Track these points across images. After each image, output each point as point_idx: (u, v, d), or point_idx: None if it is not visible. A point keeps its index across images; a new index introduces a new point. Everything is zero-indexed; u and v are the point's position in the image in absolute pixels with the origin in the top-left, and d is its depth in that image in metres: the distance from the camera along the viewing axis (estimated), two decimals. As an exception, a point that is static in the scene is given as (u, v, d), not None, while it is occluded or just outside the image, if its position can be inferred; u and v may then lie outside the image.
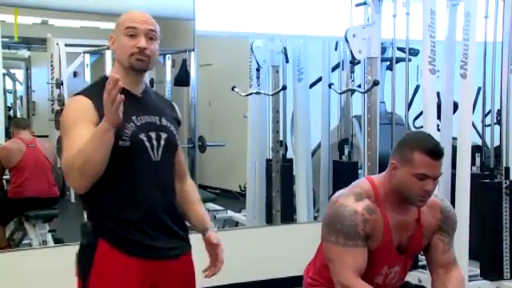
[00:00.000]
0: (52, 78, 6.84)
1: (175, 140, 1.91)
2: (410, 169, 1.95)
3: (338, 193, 2.10)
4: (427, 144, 1.98)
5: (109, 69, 6.83)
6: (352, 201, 2.01)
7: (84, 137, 1.70)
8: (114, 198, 1.81)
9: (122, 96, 1.65)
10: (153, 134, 1.84)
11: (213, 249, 2.00)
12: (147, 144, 1.83)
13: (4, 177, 4.48)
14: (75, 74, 7.79)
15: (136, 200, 1.82)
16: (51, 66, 6.91)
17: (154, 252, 1.84)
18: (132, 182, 1.81)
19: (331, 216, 2.03)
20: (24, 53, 8.08)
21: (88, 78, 7.34)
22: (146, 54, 1.82)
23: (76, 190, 1.82)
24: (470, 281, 3.35)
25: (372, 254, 2.03)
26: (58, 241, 4.44)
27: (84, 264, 1.84)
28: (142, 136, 1.82)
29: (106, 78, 1.71)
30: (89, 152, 1.69)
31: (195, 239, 2.01)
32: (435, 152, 1.95)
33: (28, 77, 8.26)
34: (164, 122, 1.89)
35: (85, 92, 1.86)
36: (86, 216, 1.90)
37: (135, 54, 1.82)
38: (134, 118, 1.82)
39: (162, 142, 1.86)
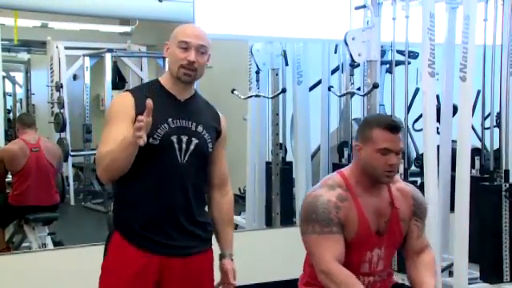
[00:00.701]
0: (52, 81, 6.85)
1: (206, 147, 2.02)
2: (372, 146, 2.05)
3: (311, 188, 2.20)
4: (384, 120, 2.13)
5: (109, 72, 6.85)
6: (324, 191, 2.09)
7: (120, 133, 1.86)
8: (135, 191, 1.96)
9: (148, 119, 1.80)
10: (184, 138, 1.97)
11: (224, 274, 2.13)
12: (176, 146, 1.95)
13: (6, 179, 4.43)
14: (75, 77, 7.80)
15: (157, 196, 1.94)
16: (51, 68, 6.92)
17: (163, 248, 1.95)
18: (156, 179, 1.94)
19: (306, 208, 2.11)
20: (24, 56, 8.10)
21: (88, 81, 7.36)
22: (194, 67, 1.97)
23: (102, 180, 1.98)
24: (469, 283, 3.35)
25: (353, 241, 2.08)
26: (57, 243, 4.43)
27: (104, 250, 2.02)
28: (173, 138, 1.95)
29: (155, 81, 2.03)
30: (115, 155, 1.86)
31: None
32: (393, 126, 2.07)
33: (28, 79, 8.27)
34: (200, 129, 2.01)
35: (131, 89, 2.05)
36: (112, 208, 2.06)
37: (184, 66, 1.96)
38: (170, 120, 1.95)
39: (192, 147, 1.97)
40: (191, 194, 1.97)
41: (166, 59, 2.05)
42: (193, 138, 1.98)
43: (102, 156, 1.89)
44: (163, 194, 1.95)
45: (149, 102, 1.80)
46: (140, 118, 1.79)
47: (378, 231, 2.12)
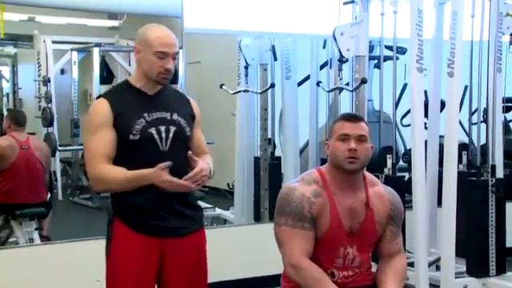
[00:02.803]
0: (39, 75, 6.80)
1: (184, 132, 2.18)
2: (333, 136, 2.15)
3: (289, 181, 2.27)
4: (343, 114, 2.39)
5: (97, 66, 6.81)
6: (300, 185, 2.14)
7: (105, 143, 2.07)
8: None
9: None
10: (162, 128, 2.12)
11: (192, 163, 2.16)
12: (156, 136, 2.11)
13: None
14: (62, 72, 7.75)
15: (145, 185, 2.06)
16: (38, 63, 6.86)
17: (159, 231, 2.11)
18: (144, 168, 2.06)
19: (281, 200, 2.15)
20: (10, 50, 8.03)
21: (75, 76, 7.31)
22: (170, 72, 2.14)
23: (94, 190, 2.21)
24: (456, 278, 3.38)
25: (325, 237, 2.11)
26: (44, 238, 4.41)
27: (107, 236, 2.16)
28: (152, 130, 2.11)
29: (125, 82, 2.20)
30: (112, 185, 2.09)
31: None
32: (350, 115, 2.28)
33: (14, 74, 8.20)
34: (175, 116, 2.16)
35: (105, 95, 2.18)
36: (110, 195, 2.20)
37: (162, 73, 2.11)
38: (145, 114, 2.11)
39: (171, 134, 2.13)
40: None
41: (136, 58, 2.16)
42: (170, 126, 2.14)
43: (101, 180, 2.09)
44: None
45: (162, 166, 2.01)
46: (170, 179, 2.01)
47: (351, 230, 2.14)
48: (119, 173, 2.07)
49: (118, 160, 2.09)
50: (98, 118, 2.09)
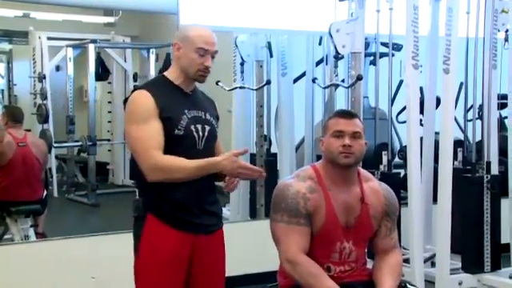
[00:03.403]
0: (34, 72, 6.78)
1: (215, 132, 2.24)
2: (328, 133, 2.17)
3: (285, 178, 2.30)
4: (337, 110, 2.40)
5: (92, 63, 6.79)
6: (295, 182, 2.16)
7: (156, 133, 2.06)
8: None
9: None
10: (199, 126, 2.17)
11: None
12: (195, 134, 2.15)
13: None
14: (58, 68, 7.73)
15: (182, 182, 2.08)
16: (33, 59, 6.84)
17: (193, 227, 2.14)
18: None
19: (277, 197, 2.17)
20: (5, 46, 8.01)
21: (71, 72, 7.29)
22: (209, 70, 2.17)
23: (151, 180, 2.09)
24: (451, 274, 3.39)
25: (321, 232, 2.13)
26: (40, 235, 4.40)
27: (136, 233, 2.16)
28: (192, 127, 2.15)
29: (163, 77, 2.19)
30: (177, 173, 2.07)
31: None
32: (344, 112, 2.28)
33: (9, 70, 8.18)
34: (208, 116, 2.21)
35: (147, 87, 2.15)
36: (137, 193, 2.19)
37: (202, 70, 2.15)
38: (186, 111, 2.14)
39: (206, 134, 2.18)
40: (207, 176, 2.12)
41: (175, 55, 2.19)
42: (205, 126, 2.18)
43: (167, 168, 2.06)
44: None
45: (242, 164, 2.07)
46: (248, 165, 2.09)
47: (347, 225, 2.15)
48: (185, 161, 2.07)
49: None
50: (146, 108, 2.08)
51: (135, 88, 2.19)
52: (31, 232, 4.36)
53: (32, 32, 6.83)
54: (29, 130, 5.31)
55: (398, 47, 4.25)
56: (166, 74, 2.21)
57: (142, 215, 2.14)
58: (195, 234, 2.15)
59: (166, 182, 2.08)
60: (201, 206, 2.16)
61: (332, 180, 2.15)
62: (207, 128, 2.18)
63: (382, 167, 3.64)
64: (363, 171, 2.27)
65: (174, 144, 2.10)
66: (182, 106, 2.14)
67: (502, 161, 3.80)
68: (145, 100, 2.09)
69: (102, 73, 7.15)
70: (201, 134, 2.16)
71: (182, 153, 2.09)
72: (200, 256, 2.17)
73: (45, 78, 6.61)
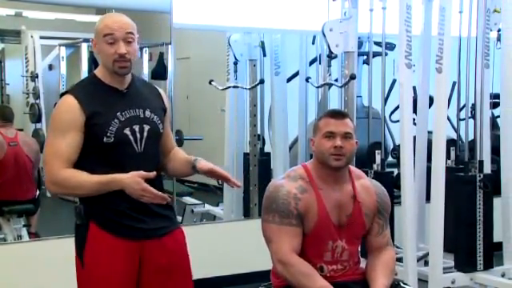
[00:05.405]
0: (27, 71, 6.74)
1: (158, 129, 2.07)
2: (319, 134, 2.15)
3: (275, 178, 2.26)
4: (328, 110, 2.37)
5: (85, 62, 6.77)
6: (286, 182, 2.15)
7: (68, 147, 1.94)
8: None
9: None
10: (136, 128, 2.00)
11: (212, 173, 2.08)
12: (131, 138, 1.99)
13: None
14: (50, 67, 7.69)
15: (122, 190, 1.95)
16: (26, 58, 6.80)
17: (139, 233, 2.02)
18: (119, 171, 1.95)
19: (268, 198, 2.15)
20: (-3, 45, 7.95)
21: (64, 71, 7.26)
22: (126, 58, 1.96)
23: (50, 192, 2.02)
24: (444, 273, 3.40)
25: (313, 231, 2.13)
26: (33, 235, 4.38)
27: (79, 242, 2.04)
28: (127, 131, 1.99)
29: (93, 77, 2.02)
30: (76, 189, 1.97)
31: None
32: (335, 112, 2.23)
33: (1, 69, 8.11)
34: (147, 113, 2.04)
35: (73, 92, 2.00)
36: (78, 199, 2.07)
37: (117, 60, 1.96)
38: (118, 114, 1.98)
39: (145, 134, 2.02)
40: (158, 177, 2.02)
41: (95, 53, 2.05)
42: (144, 125, 2.03)
43: (63, 184, 1.96)
44: None
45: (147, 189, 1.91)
46: (150, 190, 1.90)
47: (339, 224, 2.16)
48: (85, 177, 1.94)
49: (87, 163, 1.97)
50: (67, 119, 1.95)
51: (65, 91, 2.02)
52: (24, 232, 4.34)
53: (24, 31, 6.79)
54: (21, 130, 5.29)
55: (391, 46, 4.25)
56: (96, 72, 2.04)
57: (85, 223, 2.01)
58: (143, 240, 2.02)
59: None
60: (147, 210, 2.01)
61: (323, 179, 2.16)
62: (146, 127, 2.02)
63: (375, 166, 3.65)
64: (354, 169, 2.28)
65: (107, 151, 1.96)
66: (114, 108, 1.97)
67: (495, 160, 3.82)
68: (67, 108, 1.95)
69: (95, 72, 7.12)
70: (138, 135, 2.00)
71: (117, 159, 1.97)
72: (151, 260, 2.04)
73: (37, 77, 6.57)
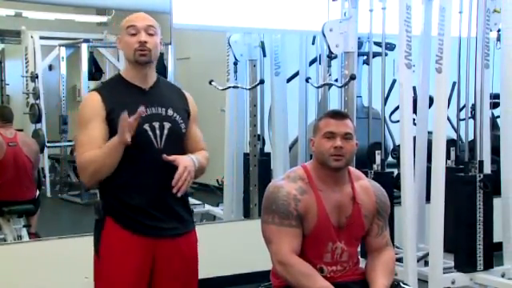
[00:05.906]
0: (27, 71, 6.75)
1: (179, 128, 2.11)
2: (319, 134, 2.15)
3: (275, 179, 2.27)
4: (328, 111, 2.34)
5: (85, 62, 6.77)
6: (286, 183, 2.15)
7: (94, 136, 2.00)
8: (120, 182, 2.04)
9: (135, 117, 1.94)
10: (156, 124, 2.06)
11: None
12: (150, 133, 2.05)
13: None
14: (50, 67, 7.71)
15: (140, 184, 2.04)
16: (26, 58, 6.81)
17: (154, 231, 2.06)
18: (136, 168, 2.04)
19: (268, 198, 2.15)
20: (-3, 45, 7.95)
21: (64, 72, 7.27)
22: (147, 47, 2.04)
23: (87, 185, 2.11)
24: (444, 273, 3.40)
25: (313, 233, 2.12)
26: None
27: (96, 236, 2.10)
28: (146, 126, 2.04)
29: (117, 76, 2.13)
30: (99, 164, 1.99)
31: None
32: (335, 112, 2.21)
33: (2, 70, 8.13)
34: (170, 112, 2.10)
35: (97, 88, 2.14)
36: (98, 195, 2.13)
37: (138, 49, 2.04)
38: (139, 110, 2.00)
39: (166, 132, 2.07)
40: (174, 174, 2.02)
41: (122, 53, 2.14)
42: (164, 123, 2.07)
43: (85, 165, 2.01)
44: (149, 179, 2.05)
45: (125, 116, 1.92)
46: (125, 117, 1.92)
47: (339, 225, 2.15)
48: (98, 150, 1.99)
49: None
50: (89, 111, 2.04)
51: (91, 89, 2.15)
52: (24, 232, 4.35)
53: (24, 31, 6.80)
54: (21, 130, 5.29)
55: (391, 47, 4.26)
56: (121, 72, 2.15)
57: (102, 218, 2.07)
58: (157, 239, 2.07)
59: (126, 185, 2.03)
60: (164, 209, 2.06)
61: (323, 180, 2.15)
62: (167, 125, 2.07)
63: (375, 166, 3.65)
64: (353, 170, 2.27)
65: (128, 147, 1.99)
66: (135, 104, 2.00)
67: (495, 160, 3.82)
68: (90, 102, 2.06)
69: (95, 72, 7.11)
70: (158, 132, 2.05)
71: (137, 154, 2.02)
72: (164, 260, 2.08)
73: (37, 77, 6.59)
